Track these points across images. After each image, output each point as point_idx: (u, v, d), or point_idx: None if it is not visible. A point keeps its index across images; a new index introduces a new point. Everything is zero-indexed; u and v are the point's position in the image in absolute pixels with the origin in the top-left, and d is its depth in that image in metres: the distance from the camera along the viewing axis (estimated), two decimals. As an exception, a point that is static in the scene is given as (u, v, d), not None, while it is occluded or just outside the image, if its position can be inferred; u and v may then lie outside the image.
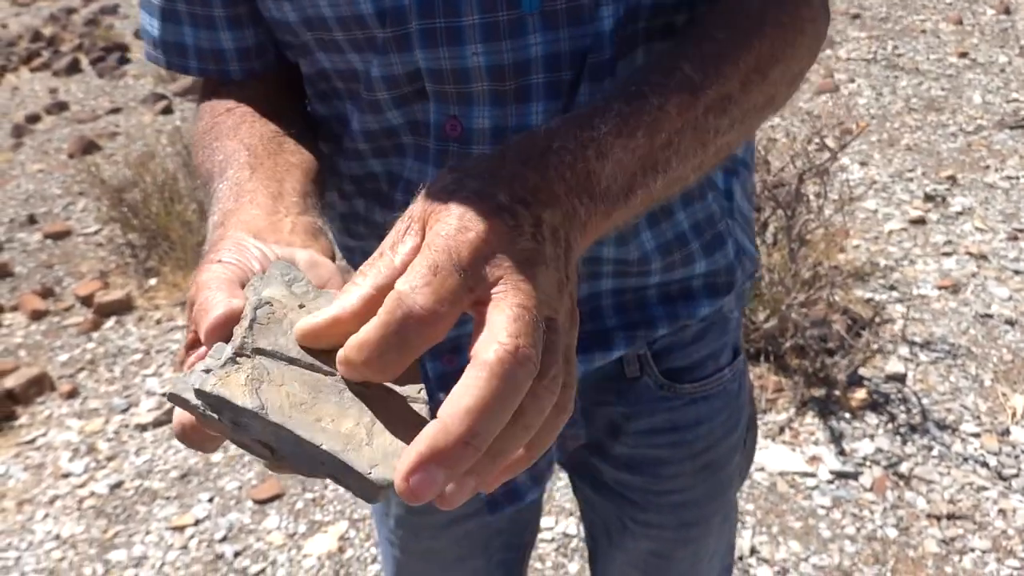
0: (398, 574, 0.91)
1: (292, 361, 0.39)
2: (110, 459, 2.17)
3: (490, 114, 0.56)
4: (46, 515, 2.01)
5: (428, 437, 0.32)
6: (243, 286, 0.42)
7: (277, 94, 0.65)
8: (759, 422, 1.84)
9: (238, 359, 0.38)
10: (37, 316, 2.82)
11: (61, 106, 4.92)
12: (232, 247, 0.44)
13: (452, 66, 0.55)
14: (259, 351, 0.38)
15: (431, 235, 0.37)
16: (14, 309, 2.92)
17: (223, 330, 0.40)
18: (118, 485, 2.08)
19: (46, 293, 2.96)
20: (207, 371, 0.38)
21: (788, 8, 0.55)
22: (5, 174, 4.14)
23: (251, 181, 0.52)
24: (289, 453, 0.37)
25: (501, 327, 0.34)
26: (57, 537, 1.94)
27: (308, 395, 0.37)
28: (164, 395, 0.40)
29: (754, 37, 0.52)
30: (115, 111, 4.77)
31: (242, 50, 0.63)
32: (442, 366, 0.69)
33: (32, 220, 3.57)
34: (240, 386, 0.37)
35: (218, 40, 0.63)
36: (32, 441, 2.27)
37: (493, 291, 0.35)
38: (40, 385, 2.43)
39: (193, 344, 0.42)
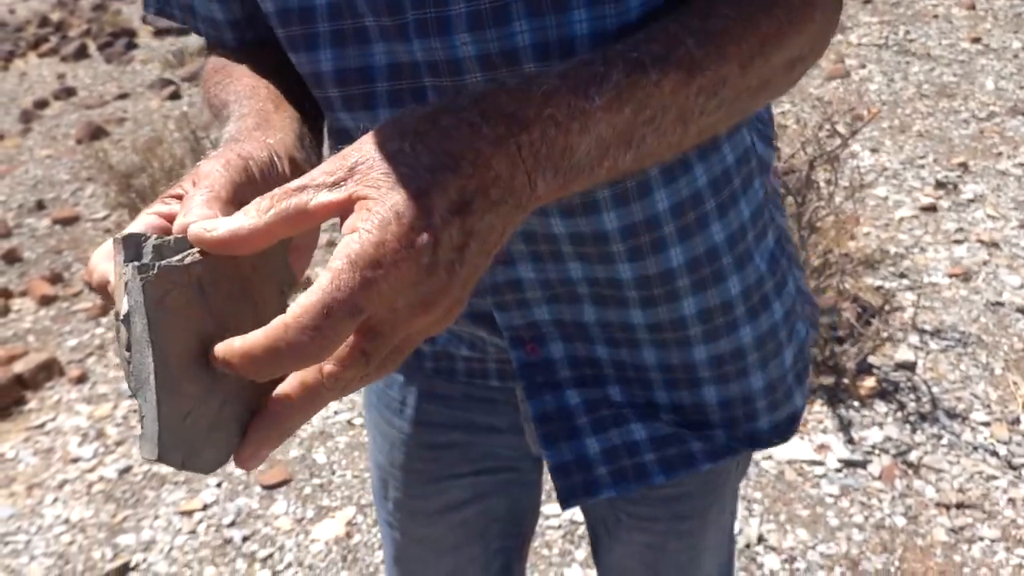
0: (397, 557, 0.91)
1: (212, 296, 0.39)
2: (119, 444, 2.18)
3: None
4: (55, 499, 2.03)
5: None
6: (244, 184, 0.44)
7: (275, 64, 0.64)
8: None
9: (187, 259, 0.38)
10: (46, 301, 2.83)
11: (69, 92, 4.92)
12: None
13: (445, 57, 0.54)
14: (198, 270, 0.38)
15: (343, 244, 0.36)
16: (23, 294, 2.93)
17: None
18: (127, 470, 2.09)
19: (55, 279, 2.97)
20: (157, 244, 0.38)
21: None
22: (13, 160, 4.14)
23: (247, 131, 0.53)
24: (136, 363, 0.37)
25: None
26: (66, 521, 1.96)
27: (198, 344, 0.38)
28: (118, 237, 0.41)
29: (762, 17, 0.50)
30: (123, 97, 4.77)
31: (232, 22, 0.64)
32: (525, 355, 0.68)
33: (41, 206, 3.58)
34: (165, 284, 0.36)
35: (210, 10, 0.64)
36: (41, 426, 2.28)
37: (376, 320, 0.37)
38: (49, 370, 2.44)
39: (176, 197, 0.44)
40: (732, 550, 0.92)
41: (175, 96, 4.64)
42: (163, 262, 0.36)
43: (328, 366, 0.37)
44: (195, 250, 0.38)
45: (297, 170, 0.49)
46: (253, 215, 0.37)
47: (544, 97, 0.41)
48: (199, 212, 0.40)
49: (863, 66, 3.74)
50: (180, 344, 0.37)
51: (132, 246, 0.37)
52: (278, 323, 0.35)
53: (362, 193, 0.37)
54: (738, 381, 0.68)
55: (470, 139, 0.39)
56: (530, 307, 0.66)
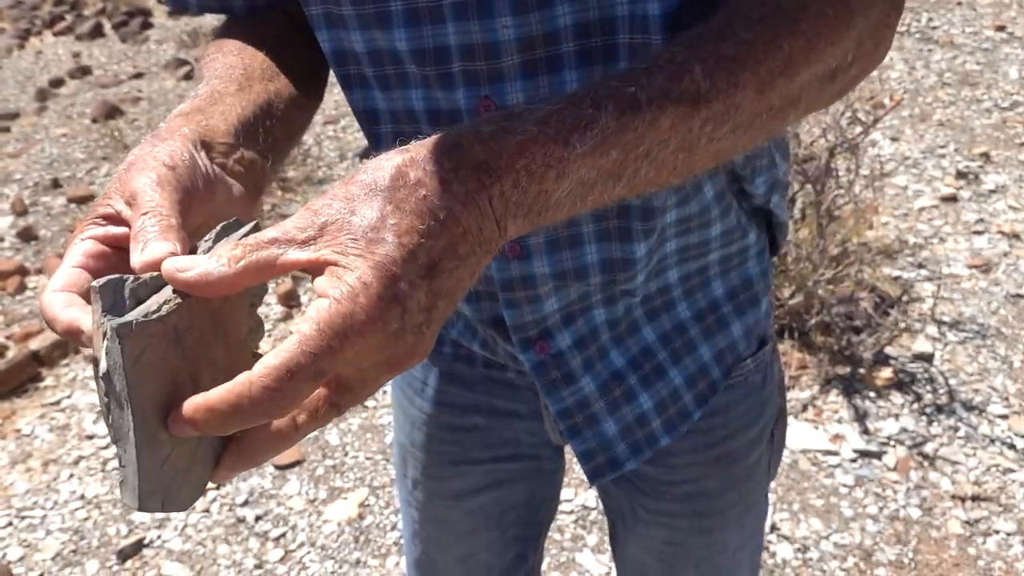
0: (415, 536, 0.91)
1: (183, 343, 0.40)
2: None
3: (523, 87, 0.55)
4: (71, 475, 2.04)
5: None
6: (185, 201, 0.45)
7: (282, 34, 0.64)
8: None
9: (164, 308, 0.38)
10: (61, 279, 2.85)
11: (84, 71, 4.92)
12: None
13: (483, 40, 0.54)
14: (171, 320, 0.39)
15: (313, 307, 0.36)
16: (39, 272, 2.94)
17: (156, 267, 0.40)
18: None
19: (70, 257, 2.98)
20: (134, 288, 0.38)
21: None
22: (29, 138, 4.15)
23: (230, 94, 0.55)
24: (115, 418, 0.37)
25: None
26: (82, 497, 1.97)
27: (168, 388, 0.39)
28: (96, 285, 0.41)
29: (784, 36, 0.47)
30: (138, 76, 4.77)
31: None
32: (536, 355, 0.68)
33: (56, 184, 3.59)
34: (143, 340, 0.37)
35: None
36: (57, 403, 2.30)
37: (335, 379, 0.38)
38: (65, 348, 2.46)
39: (109, 218, 0.45)
40: (759, 553, 0.90)
41: (190, 76, 4.64)
42: (142, 318, 0.37)
43: (301, 416, 0.38)
44: (169, 289, 0.39)
45: (219, 156, 0.50)
46: (224, 263, 0.38)
47: (519, 148, 0.40)
48: (160, 247, 0.41)
49: (884, 53, 3.69)
50: (157, 395, 0.37)
51: (109, 293, 0.37)
52: (243, 379, 0.36)
53: (331, 258, 0.37)
54: (703, 289, 0.72)
55: (439, 197, 0.38)
56: (541, 301, 0.65)
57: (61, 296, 0.42)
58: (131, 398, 0.36)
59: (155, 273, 0.39)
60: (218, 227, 0.43)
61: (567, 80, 0.55)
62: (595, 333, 0.69)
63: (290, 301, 2.57)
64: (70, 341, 0.41)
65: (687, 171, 0.46)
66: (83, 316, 0.41)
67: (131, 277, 0.39)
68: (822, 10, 0.48)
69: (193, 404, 0.37)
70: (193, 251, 0.42)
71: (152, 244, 0.41)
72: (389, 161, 0.39)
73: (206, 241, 0.43)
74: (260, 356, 0.38)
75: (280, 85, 0.59)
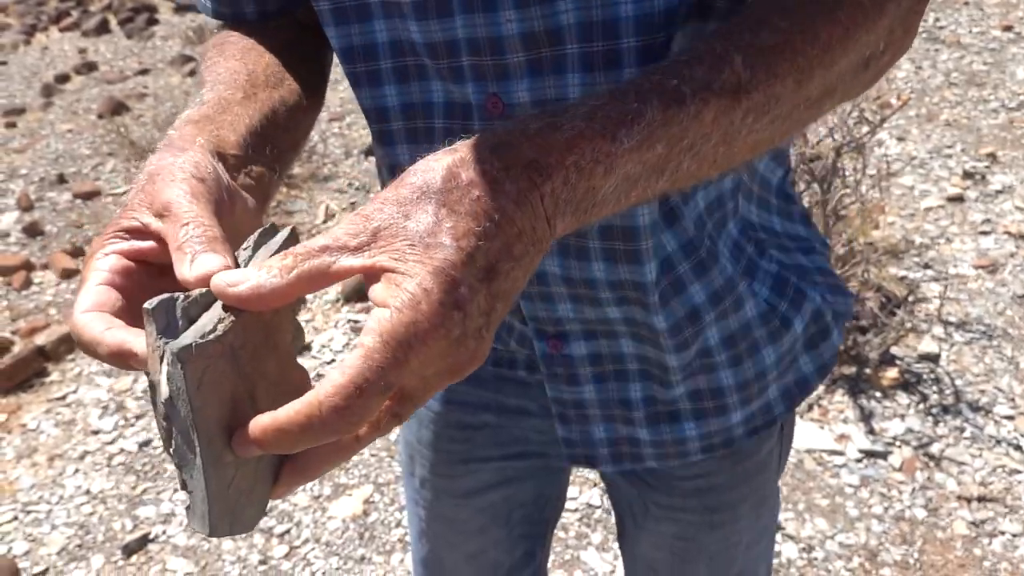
0: (422, 535, 0.91)
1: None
2: (139, 417, 2.19)
3: (529, 87, 0.55)
4: (76, 470, 2.05)
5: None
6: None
7: (289, 37, 0.64)
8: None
9: (219, 328, 0.37)
10: (68, 275, 2.85)
11: (90, 66, 4.93)
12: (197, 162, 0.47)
13: (487, 34, 0.53)
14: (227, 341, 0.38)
15: (373, 318, 0.36)
16: (45, 268, 2.95)
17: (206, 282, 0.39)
18: (147, 443, 2.10)
19: (76, 252, 2.99)
20: (185, 306, 0.38)
21: None
22: (35, 133, 4.16)
23: (190, 127, 0.52)
24: (178, 445, 0.37)
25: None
26: (87, 492, 1.98)
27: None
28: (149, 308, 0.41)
29: (822, 25, 0.46)
30: (143, 72, 4.77)
31: None
32: (547, 348, 0.69)
33: (62, 179, 3.59)
34: (203, 362, 0.36)
35: None
36: (63, 398, 2.30)
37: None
38: (70, 343, 2.46)
39: (133, 231, 0.44)
40: (771, 548, 0.89)
41: (195, 73, 4.64)
42: (200, 339, 0.36)
43: (362, 428, 0.38)
44: (219, 305, 0.38)
45: (231, 169, 0.49)
46: (276, 275, 0.37)
47: (568, 144, 0.39)
48: (211, 260, 0.40)
49: (891, 53, 3.68)
50: (220, 416, 0.37)
51: (162, 314, 0.36)
52: (311, 399, 0.35)
53: (388, 264, 0.36)
54: (750, 359, 0.69)
55: (492, 197, 0.38)
56: (554, 302, 0.65)
57: (97, 317, 0.41)
58: (196, 423, 0.35)
59: (204, 289, 0.38)
60: (255, 234, 0.42)
61: (570, 83, 0.54)
62: (621, 364, 0.69)
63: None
64: (117, 365, 0.40)
65: (726, 164, 0.46)
66: (132, 338, 0.39)
67: (181, 295, 0.37)
68: (857, 0, 0.48)
69: (261, 425, 0.36)
70: (233, 262, 0.41)
71: (201, 257, 0.40)
72: (439, 162, 0.39)
73: (245, 250, 0.42)
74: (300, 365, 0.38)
75: (285, 92, 0.58)
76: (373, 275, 0.37)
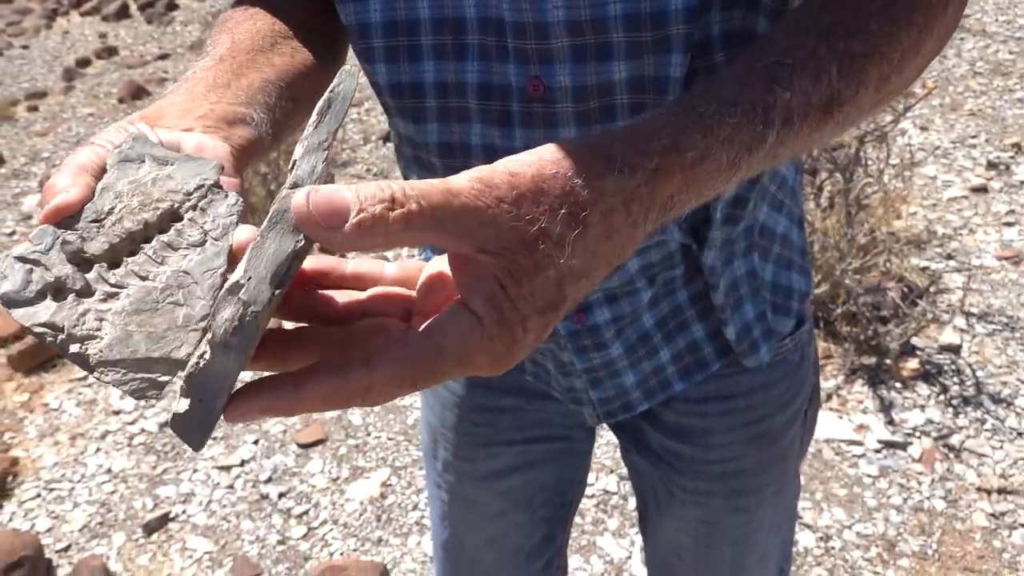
0: (444, 518, 0.92)
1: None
2: (159, 398, 2.21)
3: (571, 71, 0.55)
4: (98, 449, 2.07)
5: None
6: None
7: (294, 8, 0.63)
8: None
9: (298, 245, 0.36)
10: (88, 257, 2.88)
11: (110, 51, 4.95)
12: (113, 131, 0.45)
13: (533, 19, 0.54)
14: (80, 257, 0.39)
15: (456, 325, 0.35)
16: (66, 249, 2.98)
17: (54, 220, 0.40)
18: (167, 424, 2.13)
19: (97, 235, 3.01)
20: (21, 258, 0.39)
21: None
22: (57, 117, 4.19)
23: (207, 70, 0.53)
24: (215, 365, 0.36)
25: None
26: (109, 471, 2.00)
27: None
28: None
29: (904, 29, 0.47)
30: (163, 57, 4.79)
31: None
32: (571, 325, 0.68)
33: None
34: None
35: None
36: (84, 378, 2.33)
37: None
38: (92, 324, 2.49)
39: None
40: (791, 533, 0.90)
41: (215, 57, 4.66)
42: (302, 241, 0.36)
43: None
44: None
45: (237, 134, 0.49)
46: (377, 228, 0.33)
47: (697, 183, 0.39)
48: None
49: (915, 42, 3.64)
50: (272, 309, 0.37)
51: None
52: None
53: (507, 285, 0.35)
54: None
55: (626, 240, 0.37)
56: None
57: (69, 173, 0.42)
58: (247, 349, 0.35)
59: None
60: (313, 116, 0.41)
61: (615, 70, 0.55)
62: (636, 312, 0.69)
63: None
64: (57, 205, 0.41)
65: (786, 160, 0.47)
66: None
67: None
68: (928, 3, 0.48)
69: (280, 396, 0.35)
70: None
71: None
72: (595, 206, 0.36)
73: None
74: None
75: (298, 59, 0.58)
76: (470, 265, 0.35)
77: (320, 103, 0.39)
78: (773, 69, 0.43)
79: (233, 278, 0.34)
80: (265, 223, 0.35)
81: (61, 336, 0.39)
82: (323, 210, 0.32)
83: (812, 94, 0.43)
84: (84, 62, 4.81)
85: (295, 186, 0.36)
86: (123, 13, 5.59)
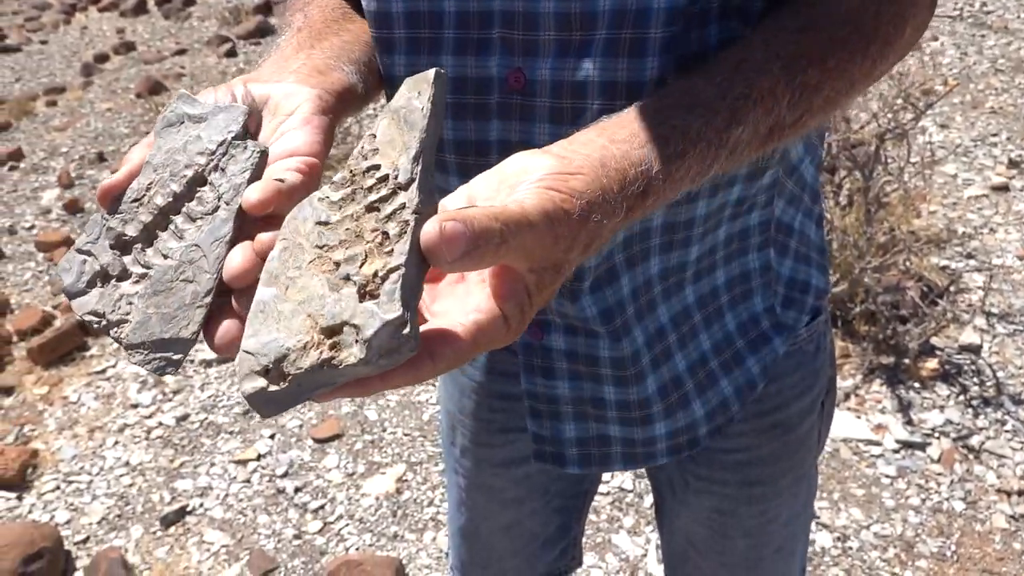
0: (461, 504, 0.92)
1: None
2: (176, 392, 2.23)
3: (551, 66, 0.56)
4: (116, 442, 2.09)
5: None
6: None
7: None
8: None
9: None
10: (107, 251, 2.90)
11: (128, 46, 4.98)
12: (207, 93, 0.46)
13: (524, 9, 0.54)
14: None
15: (488, 318, 0.39)
16: (85, 244, 3.00)
17: (103, 204, 0.41)
18: (184, 418, 2.14)
19: (115, 229, 3.03)
20: (79, 250, 0.40)
21: (897, 13, 0.54)
22: (75, 112, 4.22)
23: (288, 41, 0.55)
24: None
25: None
26: (127, 464, 2.02)
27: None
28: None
29: (857, 61, 0.52)
30: (180, 52, 4.82)
31: None
32: (528, 336, 0.69)
33: (101, 158, 3.65)
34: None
35: None
36: (102, 371, 2.35)
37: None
38: (110, 318, 2.51)
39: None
40: (808, 528, 0.89)
41: (232, 53, 4.67)
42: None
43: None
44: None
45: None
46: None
47: (674, 187, 0.47)
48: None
49: (935, 38, 3.60)
50: None
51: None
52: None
53: (532, 291, 0.41)
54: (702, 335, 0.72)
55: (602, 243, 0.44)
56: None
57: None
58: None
59: None
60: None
61: (589, 67, 0.55)
62: (594, 361, 0.69)
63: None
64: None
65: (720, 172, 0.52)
66: None
67: None
68: (887, 31, 0.53)
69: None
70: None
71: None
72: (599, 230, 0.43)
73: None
74: None
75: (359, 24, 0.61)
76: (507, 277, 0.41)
77: (411, 109, 0.40)
78: (737, 105, 0.48)
79: (393, 312, 0.35)
80: (408, 253, 0.36)
81: (104, 322, 0.40)
82: (449, 241, 0.36)
83: (761, 125, 0.49)
84: (102, 57, 4.84)
85: (419, 212, 0.37)
86: (141, 8, 5.62)
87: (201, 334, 0.40)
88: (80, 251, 0.42)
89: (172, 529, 1.82)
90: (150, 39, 5.14)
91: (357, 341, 0.34)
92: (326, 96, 0.50)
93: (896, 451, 1.81)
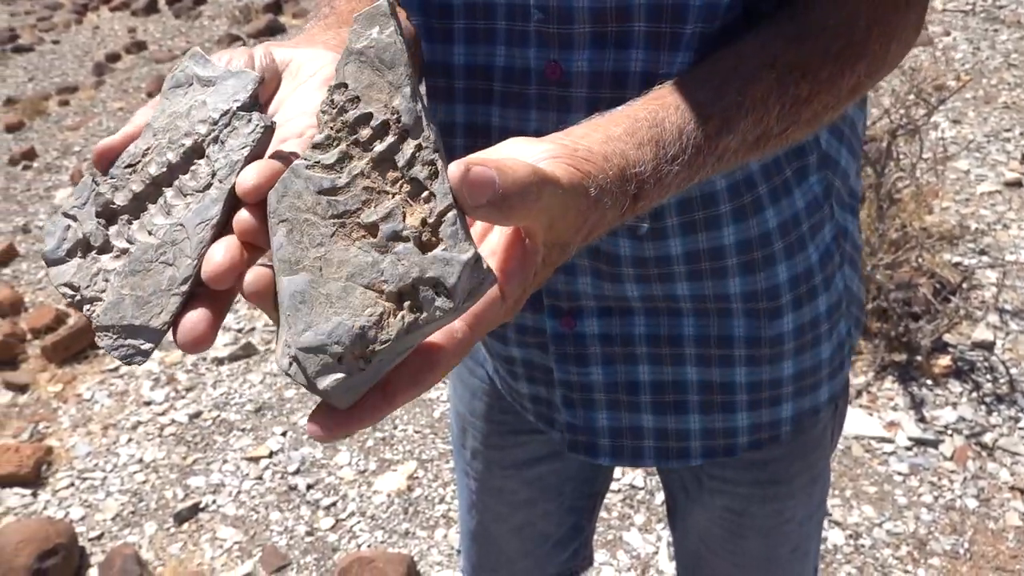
0: (472, 507, 0.92)
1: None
2: (189, 390, 2.24)
3: (589, 58, 0.56)
4: (129, 439, 2.10)
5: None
6: None
7: None
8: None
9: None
10: (119, 250, 2.92)
11: (140, 45, 5.01)
12: (225, 52, 0.44)
13: (558, 3, 0.55)
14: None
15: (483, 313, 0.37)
16: (97, 242, 3.02)
17: (98, 166, 0.39)
18: (197, 415, 2.15)
19: (127, 228, 3.05)
20: (64, 214, 0.38)
21: (886, 32, 0.54)
22: (88, 111, 4.24)
23: (317, 24, 0.56)
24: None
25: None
26: (140, 461, 2.03)
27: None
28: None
29: (847, 76, 0.52)
30: (191, 51, 4.85)
31: None
32: (559, 326, 0.69)
33: (113, 157, 3.67)
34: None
35: None
36: (116, 369, 2.36)
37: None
38: (123, 316, 2.52)
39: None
40: (821, 523, 0.89)
41: (242, 52, 4.69)
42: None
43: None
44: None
45: None
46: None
47: (665, 190, 0.46)
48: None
49: (947, 33, 3.58)
50: None
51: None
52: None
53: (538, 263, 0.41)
54: (771, 365, 0.69)
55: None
56: (575, 275, 0.65)
57: None
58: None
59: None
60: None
61: (633, 59, 0.55)
62: (630, 339, 0.69)
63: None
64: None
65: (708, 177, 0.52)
66: None
67: None
68: (875, 48, 0.53)
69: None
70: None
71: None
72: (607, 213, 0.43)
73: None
74: None
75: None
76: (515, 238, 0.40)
77: (379, 47, 0.35)
78: (729, 113, 0.48)
79: (467, 251, 0.32)
80: (449, 191, 0.33)
81: (78, 297, 0.37)
82: (473, 185, 0.33)
83: (749, 134, 0.49)
84: (114, 57, 4.87)
85: (439, 148, 0.34)
86: (152, 8, 5.64)
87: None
88: (66, 215, 0.38)
89: (185, 526, 1.83)
90: (161, 38, 5.16)
91: (440, 293, 0.32)
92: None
93: (908, 448, 1.81)
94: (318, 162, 0.34)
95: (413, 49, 0.37)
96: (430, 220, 0.33)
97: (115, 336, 0.36)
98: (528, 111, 0.60)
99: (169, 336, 0.36)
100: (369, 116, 0.34)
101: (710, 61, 0.52)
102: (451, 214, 0.32)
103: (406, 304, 0.33)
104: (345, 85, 0.35)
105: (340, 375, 0.32)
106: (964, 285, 2.08)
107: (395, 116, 0.34)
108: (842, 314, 0.71)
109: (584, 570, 0.99)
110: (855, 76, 0.53)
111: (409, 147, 0.34)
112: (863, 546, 1.62)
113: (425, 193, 0.33)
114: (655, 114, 0.47)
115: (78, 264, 0.37)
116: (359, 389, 0.34)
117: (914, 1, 0.56)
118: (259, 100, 0.39)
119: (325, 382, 0.33)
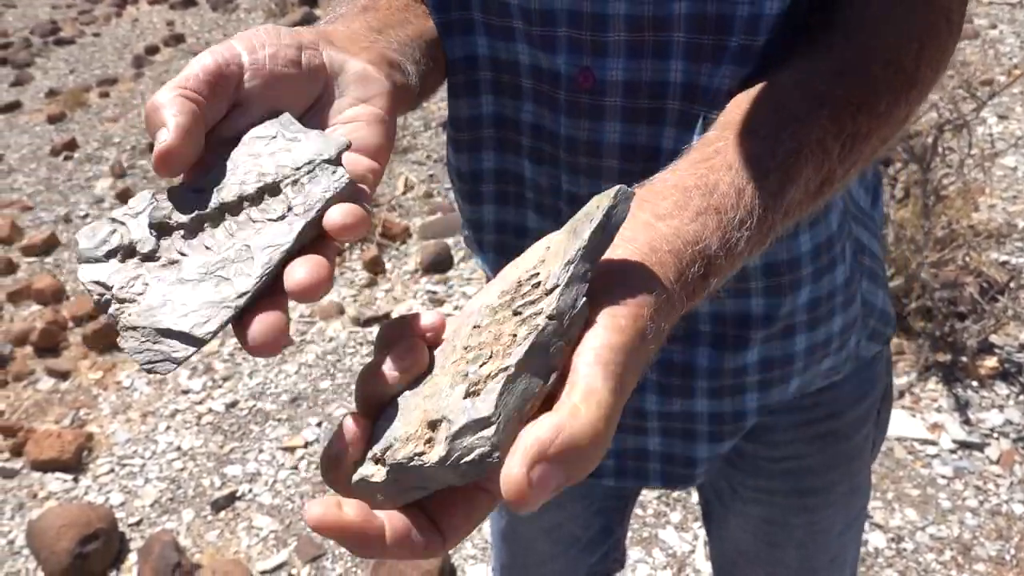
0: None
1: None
2: (226, 379, 2.26)
3: (624, 66, 0.54)
4: (168, 427, 2.13)
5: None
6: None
7: None
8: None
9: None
10: (158, 240, 2.96)
11: (178, 38, 5.06)
12: (263, 31, 0.42)
13: (592, 10, 0.53)
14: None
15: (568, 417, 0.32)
16: (137, 232, 3.06)
17: (161, 169, 0.38)
18: (233, 404, 2.17)
19: (166, 218, 3.09)
20: (112, 219, 0.39)
21: (934, 57, 0.52)
22: (127, 103, 4.30)
23: (355, 16, 0.53)
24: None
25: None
26: (178, 448, 2.05)
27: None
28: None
29: (903, 104, 0.50)
30: (228, 44, 4.89)
31: None
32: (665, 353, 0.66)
33: (152, 148, 3.71)
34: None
35: None
36: (154, 358, 2.39)
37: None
38: (161, 305, 2.56)
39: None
40: (861, 531, 0.86)
41: (278, 45, 4.72)
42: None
43: None
44: None
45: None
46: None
47: (706, 279, 0.41)
48: None
49: (994, 26, 3.49)
50: None
51: None
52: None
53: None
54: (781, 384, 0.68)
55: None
56: None
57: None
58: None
59: None
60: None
61: (672, 69, 0.54)
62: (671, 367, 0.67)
63: (376, 267, 2.61)
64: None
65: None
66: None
67: None
68: (926, 74, 0.51)
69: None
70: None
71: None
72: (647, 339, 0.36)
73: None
74: None
75: (430, 23, 0.59)
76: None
77: (585, 220, 0.36)
78: (788, 163, 0.44)
79: (482, 411, 0.32)
80: (522, 356, 0.33)
81: (107, 295, 0.37)
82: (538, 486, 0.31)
83: (812, 182, 0.45)
84: (153, 49, 4.93)
85: (556, 317, 0.34)
86: (189, 1, 5.70)
87: (219, 335, 0.36)
88: (114, 219, 0.39)
89: (222, 514, 1.85)
90: (199, 31, 5.22)
91: (446, 438, 0.32)
92: (395, 93, 0.47)
93: (953, 451, 1.77)
94: (490, 304, 0.37)
95: (611, 232, 0.36)
96: (492, 374, 0.33)
97: (143, 339, 0.36)
98: (557, 115, 0.58)
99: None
100: (537, 275, 0.36)
101: (747, 103, 0.47)
102: (503, 374, 0.33)
103: (427, 436, 0.33)
104: (548, 248, 0.38)
105: (366, 472, 0.34)
106: (1012, 285, 2.03)
107: (547, 279, 0.36)
108: (855, 329, 0.69)
109: (616, 572, 0.97)
110: (908, 106, 0.50)
111: (537, 308, 0.35)
112: (905, 550, 1.59)
113: (511, 349, 0.34)
114: (706, 177, 0.42)
115: (117, 267, 0.38)
116: (383, 500, 0.34)
117: (957, 24, 0.53)
118: (342, 162, 0.40)
119: (357, 472, 0.35)
